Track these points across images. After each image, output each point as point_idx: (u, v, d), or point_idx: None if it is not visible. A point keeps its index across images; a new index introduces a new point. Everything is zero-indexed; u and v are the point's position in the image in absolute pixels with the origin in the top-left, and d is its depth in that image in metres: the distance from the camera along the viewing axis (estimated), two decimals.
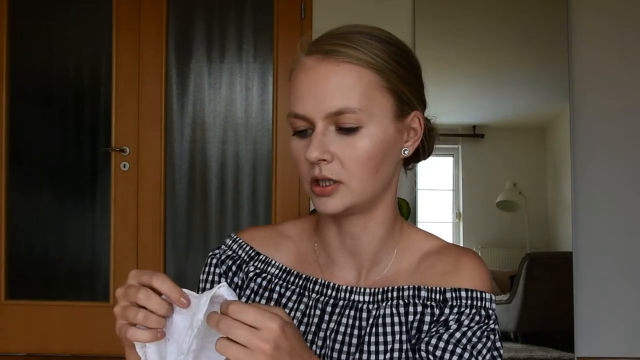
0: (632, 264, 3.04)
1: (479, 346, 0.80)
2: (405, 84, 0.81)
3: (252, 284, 0.89)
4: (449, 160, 3.22)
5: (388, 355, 0.82)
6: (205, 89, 3.18)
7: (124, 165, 3.12)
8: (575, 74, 3.06)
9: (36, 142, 3.19)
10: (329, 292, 0.87)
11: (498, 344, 0.84)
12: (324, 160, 0.78)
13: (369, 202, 0.84)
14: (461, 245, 3.18)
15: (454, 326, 0.81)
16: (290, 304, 0.88)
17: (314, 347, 0.84)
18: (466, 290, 0.83)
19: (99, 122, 3.18)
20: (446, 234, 3.20)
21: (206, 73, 3.19)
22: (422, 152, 0.90)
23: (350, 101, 0.77)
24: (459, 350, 0.79)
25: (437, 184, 3.21)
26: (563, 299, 3.00)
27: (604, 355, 3.02)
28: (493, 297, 0.84)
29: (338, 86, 0.77)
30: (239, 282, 0.90)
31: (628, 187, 3.06)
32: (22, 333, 3.07)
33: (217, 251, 0.93)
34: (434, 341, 0.81)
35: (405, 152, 0.85)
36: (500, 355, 0.84)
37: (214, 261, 0.92)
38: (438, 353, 0.80)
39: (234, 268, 0.91)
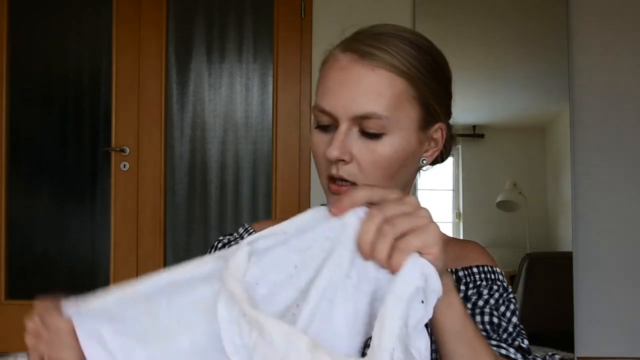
0: (632, 264, 3.04)
1: (502, 309, 0.82)
2: (434, 96, 0.81)
3: None
4: (449, 160, 3.21)
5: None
6: (205, 89, 3.18)
7: (124, 165, 3.12)
8: (575, 74, 3.06)
9: (36, 142, 3.19)
10: None
11: (517, 311, 0.87)
12: (343, 160, 0.79)
13: None
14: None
15: (474, 297, 0.83)
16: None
17: None
18: (477, 267, 0.86)
19: (99, 122, 3.18)
20: (446, 234, 3.19)
21: (206, 73, 3.18)
22: (440, 156, 0.91)
23: (379, 107, 0.77)
24: (487, 317, 0.80)
25: (437, 184, 3.21)
26: (563, 299, 3.00)
27: (604, 355, 3.02)
28: (503, 273, 0.86)
29: (369, 90, 0.77)
30: None
31: (628, 187, 3.06)
32: (22, 333, 3.07)
33: (227, 236, 0.95)
34: (469, 305, 0.83)
35: (424, 162, 0.85)
36: (521, 323, 0.86)
37: (219, 245, 0.94)
38: (477, 317, 0.82)
39: None
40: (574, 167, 3.03)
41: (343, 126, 0.78)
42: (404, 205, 0.58)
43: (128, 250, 3.11)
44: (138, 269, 3.09)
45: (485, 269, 0.86)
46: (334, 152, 0.77)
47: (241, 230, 0.95)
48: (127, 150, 3.12)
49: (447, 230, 3.20)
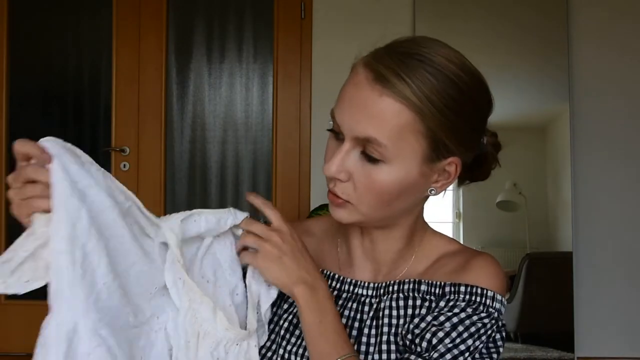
0: (632, 264, 3.04)
1: (461, 328, 0.78)
2: (449, 132, 0.76)
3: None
4: None
5: (384, 347, 0.82)
6: (205, 89, 3.18)
7: (124, 165, 3.12)
8: (575, 74, 3.06)
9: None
10: (334, 284, 0.89)
11: (497, 337, 0.84)
12: (339, 179, 0.79)
13: (383, 222, 0.84)
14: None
15: (441, 313, 0.81)
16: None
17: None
18: (466, 286, 0.82)
19: (99, 122, 3.18)
20: (446, 234, 3.19)
21: (206, 73, 3.18)
22: (480, 175, 0.90)
23: (380, 134, 0.74)
24: (440, 333, 0.78)
25: None
26: (563, 299, 3.00)
27: (604, 355, 3.02)
28: (498, 297, 0.82)
29: (373, 116, 0.74)
30: None
31: (628, 187, 3.06)
32: (22, 333, 3.07)
33: None
34: (416, 321, 0.81)
35: (432, 192, 0.82)
36: (495, 351, 0.84)
37: None
38: (416, 331, 0.80)
39: None
40: (574, 167, 3.03)
41: (346, 145, 0.77)
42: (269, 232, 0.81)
43: None
44: None
45: (475, 290, 0.81)
46: (331, 169, 0.78)
47: None
48: (127, 150, 3.12)
49: (447, 230, 3.20)
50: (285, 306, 0.88)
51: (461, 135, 0.78)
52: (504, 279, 0.85)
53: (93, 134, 3.19)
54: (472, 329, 0.79)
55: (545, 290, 3.14)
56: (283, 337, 0.85)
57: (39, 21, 3.21)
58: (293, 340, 0.85)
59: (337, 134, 0.80)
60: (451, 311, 0.80)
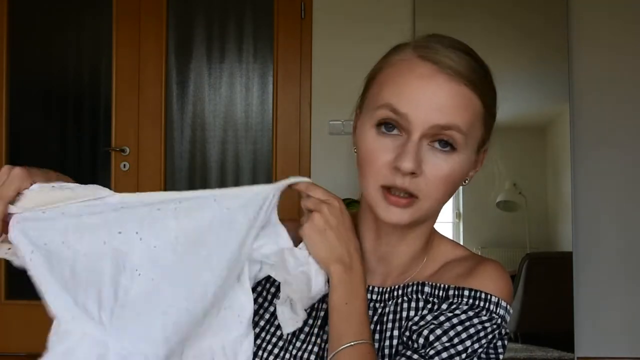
0: (632, 264, 3.04)
1: (459, 328, 0.78)
2: (493, 121, 0.83)
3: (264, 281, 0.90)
4: None
5: (387, 351, 0.82)
6: (205, 89, 3.18)
7: (124, 165, 3.12)
8: (575, 74, 3.06)
9: (36, 142, 3.19)
10: None
11: (499, 343, 0.83)
12: (413, 173, 0.76)
13: (425, 218, 0.84)
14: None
15: (441, 313, 0.80)
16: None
17: (319, 341, 0.84)
18: (470, 290, 0.81)
19: (99, 122, 3.18)
20: (446, 234, 3.17)
21: (206, 73, 3.19)
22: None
23: (461, 121, 0.76)
24: (438, 330, 0.78)
25: None
26: (563, 299, 3.00)
27: (604, 355, 3.02)
28: (502, 303, 0.81)
29: (455, 104, 0.76)
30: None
31: (628, 187, 3.06)
32: (22, 333, 3.07)
33: None
34: (416, 319, 0.81)
35: (466, 182, 0.84)
36: (495, 357, 0.83)
37: None
38: (414, 328, 0.80)
39: None
40: (574, 167, 3.03)
41: (415, 136, 0.75)
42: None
43: None
44: None
45: (478, 294, 0.80)
46: (409, 165, 0.74)
47: None
48: (127, 150, 3.12)
49: (447, 230, 3.20)
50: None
51: (493, 123, 0.84)
52: (511, 286, 0.84)
53: (93, 134, 3.19)
54: (471, 331, 0.78)
55: (545, 290, 3.14)
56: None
57: (39, 21, 3.21)
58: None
59: (389, 128, 0.77)
60: (452, 312, 0.80)
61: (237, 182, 3.18)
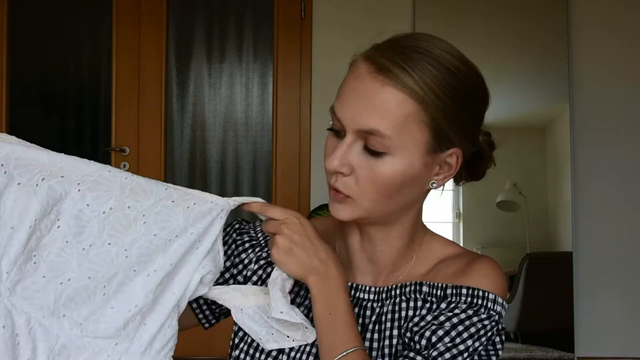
0: (632, 264, 3.04)
1: (460, 328, 0.78)
2: (450, 122, 0.77)
3: (260, 272, 0.89)
4: None
5: (387, 350, 0.82)
6: (205, 89, 3.18)
7: (124, 165, 3.12)
8: (575, 74, 3.06)
9: (36, 142, 3.18)
10: None
11: (497, 339, 0.83)
12: (341, 173, 0.78)
13: (384, 219, 0.83)
14: (461, 245, 3.19)
15: (441, 313, 0.80)
16: (297, 299, 0.88)
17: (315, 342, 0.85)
18: (467, 288, 0.81)
19: (99, 122, 3.18)
20: (446, 234, 3.18)
21: (206, 73, 3.19)
22: (476, 174, 0.89)
23: (383, 125, 0.74)
24: (440, 331, 0.78)
25: None
26: (563, 299, 3.00)
27: (604, 355, 3.02)
28: (500, 300, 0.82)
29: (376, 107, 0.75)
30: (246, 261, 0.90)
31: (628, 187, 3.06)
32: None
33: (244, 224, 0.94)
34: (416, 319, 0.81)
35: (433, 185, 0.83)
36: (495, 353, 0.84)
37: (237, 226, 0.93)
38: (415, 329, 0.80)
39: (247, 245, 0.91)
40: (574, 167, 3.04)
41: (348, 138, 0.77)
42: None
43: None
44: None
45: (476, 292, 0.81)
46: (333, 162, 0.77)
47: (257, 222, 0.93)
48: (127, 150, 3.12)
49: (447, 230, 3.21)
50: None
51: (462, 125, 0.79)
52: (505, 282, 0.85)
53: (93, 134, 3.19)
54: (472, 330, 0.79)
55: (545, 290, 3.14)
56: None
57: (39, 21, 3.21)
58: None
59: (337, 132, 0.79)
60: (452, 312, 0.80)
61: (237, 182, 3.18)
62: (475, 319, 0.79)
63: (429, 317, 0.80)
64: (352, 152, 0.77)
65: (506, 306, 0.83)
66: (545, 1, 3.10)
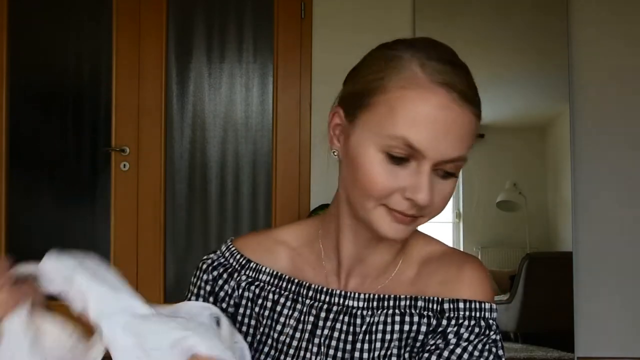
0: (632, 264, 3.04)
1: (476, 354, 0.79)
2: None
3: (246, 293, 0.88)
4: None
5: None
6: (205, 89, 3.18)
7: (124, 165, 3.12)
8: (575, 74, 3.06)
9: (36, 142, 3.19)
10: (323, 297, 0.86)
11: (500, 352, 0.83)
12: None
13: None
14: (461, 246, 3.19)
15: (453, 340, 0.80)
16: (285, 311, 0.87)
17: (308, 355, 0.84)
18: (464, 301, 0.81)
19: (99, 122, 3.18)
20: (446, 234, 3.20)
21: (206, 73, 3.19)
22: None
23: (465, 151, 0.76)
24: None
25: None
26: (563, 299, 3.00)
27: (604, 355, 3.02)
28: (494, 307, 0.82)
29: (464, 136, 0.75)
30: (229, 291, 0.89)
31: (628, 187, 3.06)
32: None
33: (211, 256, 0.92)
34: (434, 358, 0.79)
35: None
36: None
37: (204, 266, 0.91)
38: (425, 356, 0.79)
39: (225, 276, 0.90)
40: (574, 167, 3.04)
41: (426, 167, 0.75)
42: None
43: (128, 250, 3.11)
44: (138, 269, 3.09)
45: (473, 305, 0.81)
46: (426, 199, 0.75)
47: (223, 247, 0.92)
48: (127, 150, 3.12)
49: (447, 230, 3.21)
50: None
51: None
52: (492, 282, 0.89)
53: (93, 134, 3.19)
54: (490, 356, 0.80)
55: (545, 290, 3.14)
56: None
57: (39, 21, 3.21)
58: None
59: (396, 158, 0.75)
60: (460, 335, 0.80)
61: (237, 182, 3.18)
62: (487, 340, 0.81)
63: (445, 352, 0.79)
64: (432, 181, 0.77)
65: (496, 308, 0.84)
66: (545, 1, 3.10)
